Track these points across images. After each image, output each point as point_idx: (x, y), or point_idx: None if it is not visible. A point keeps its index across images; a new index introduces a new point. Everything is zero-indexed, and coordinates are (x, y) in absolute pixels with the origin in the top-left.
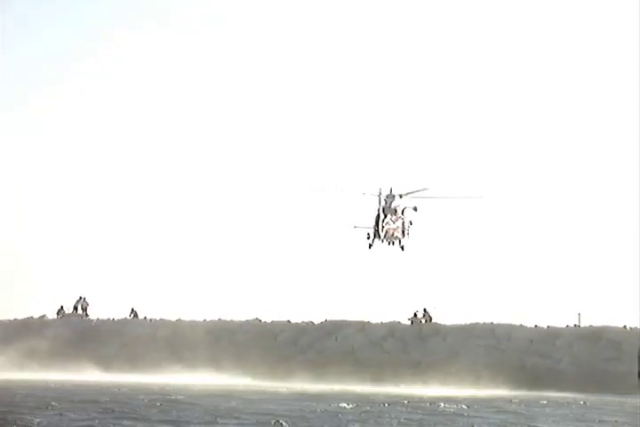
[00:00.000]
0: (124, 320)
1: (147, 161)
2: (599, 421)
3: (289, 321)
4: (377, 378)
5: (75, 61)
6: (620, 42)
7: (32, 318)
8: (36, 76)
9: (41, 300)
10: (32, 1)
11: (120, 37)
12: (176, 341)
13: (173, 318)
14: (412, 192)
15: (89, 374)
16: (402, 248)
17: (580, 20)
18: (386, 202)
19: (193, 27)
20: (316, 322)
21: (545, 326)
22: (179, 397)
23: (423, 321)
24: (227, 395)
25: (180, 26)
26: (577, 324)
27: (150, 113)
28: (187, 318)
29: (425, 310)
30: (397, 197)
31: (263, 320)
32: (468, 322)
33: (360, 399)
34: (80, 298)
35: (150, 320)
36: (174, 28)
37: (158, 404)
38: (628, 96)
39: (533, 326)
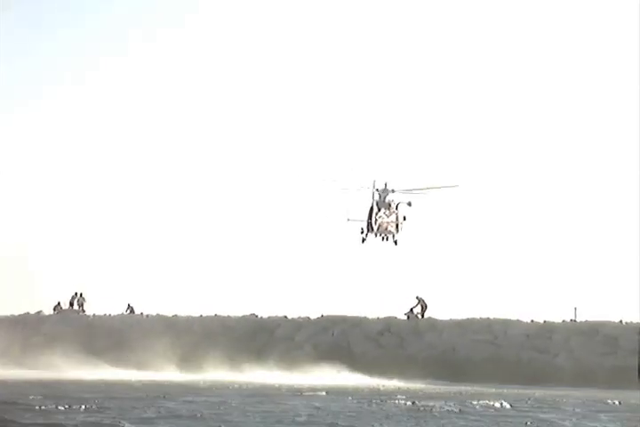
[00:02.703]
0: (121, 316)
1: (143, 157)
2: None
3: (285, 317)
4: (373, 373)
5: (73, 61)
6: (620, 42)
7: (29, 313)
8: (34, 77)
9: (38, 296)
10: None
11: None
12: (172, 337)
13: (170, 314)
14: (438, 188)
15: (85, 371)
16: (395, 243)
17: (580, 19)
18: (380, 196)
19: (193, 26)
20: (313, 318)
21: (541, 321)
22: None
23: (419, 310)
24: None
25: (180, 25)
26: (573, 319)
27: (149, 106)
28: (183, 313)
29: (417, 297)
30: (391, 192)
31: (260, 316)
32: (465, 317)
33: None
34: (76, 294)
35: (147, 316)
36: (173, 27)
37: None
38: (623, 86)
39: (530, 321)
